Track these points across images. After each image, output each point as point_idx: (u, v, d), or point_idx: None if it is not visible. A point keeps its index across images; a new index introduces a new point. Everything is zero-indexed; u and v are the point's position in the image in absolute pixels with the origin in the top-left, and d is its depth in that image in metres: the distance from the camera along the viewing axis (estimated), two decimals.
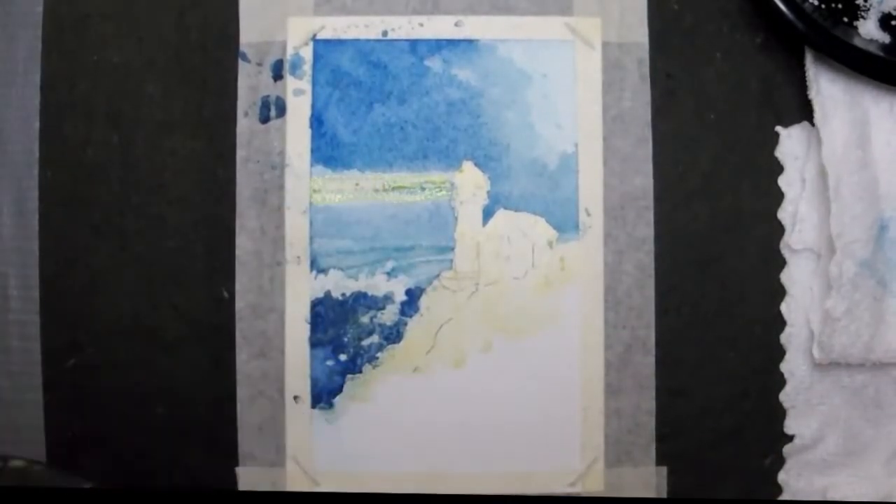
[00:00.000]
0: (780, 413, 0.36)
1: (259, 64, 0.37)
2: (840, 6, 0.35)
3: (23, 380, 0.37)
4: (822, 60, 0.36)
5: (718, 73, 0.37)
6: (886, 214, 0.36)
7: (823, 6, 0.35)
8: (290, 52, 0.37)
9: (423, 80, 0.37)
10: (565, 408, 0.36)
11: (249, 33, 0.37)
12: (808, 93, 0.36)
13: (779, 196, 0.37)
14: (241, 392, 0.36)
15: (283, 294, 0.36)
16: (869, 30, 0.35)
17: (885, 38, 0.35)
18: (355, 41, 0.37)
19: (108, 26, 0.37)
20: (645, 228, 0.36)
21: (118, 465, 0.37)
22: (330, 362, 0.36)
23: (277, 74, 0.37)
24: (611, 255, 0.36)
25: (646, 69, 0.37)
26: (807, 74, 0.36)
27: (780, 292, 0.37)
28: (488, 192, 0.36)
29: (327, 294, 0.36)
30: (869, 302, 0.35)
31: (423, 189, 0.36)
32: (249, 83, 0.37)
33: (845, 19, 0.35)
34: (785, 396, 0.36)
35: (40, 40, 0.37)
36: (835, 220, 0.35)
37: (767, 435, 0.36)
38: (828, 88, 0.36)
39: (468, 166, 0.36)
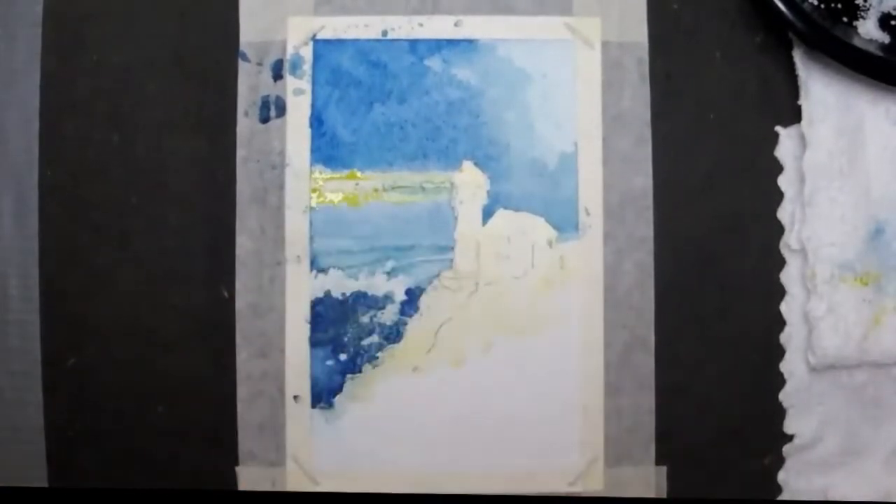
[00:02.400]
0: (779, 413, 0.36)
1: (259, 63, 0.37)
2: (839, 6, 0.35)
3: (23, 380, 0.37)
4: (813, 64, 0.36)
5: (718, 73, 0.37)
6: (882, 217, 0.36)
7: (823, 6, 0.35)
8: (290, 51, 0.37)
9: (422, 79, 0.37)
10: (565, 407, 0.36)
11: (249, 33, 0.37)
12: (798, 99, 0.36)
13: (778, 196, 0.37)
14: (241, 392, 0.36)
15: (283, 294, 0.36)
16: (868, 30, 0.35)
17: (884, 38, 0.35)
18: (355, 41, 0.37)
19: (108, 26, 0.37)
20: (645, 228, 0.37)
21: (118, 465, 0.37)
22: (330, 362, 0.36)
23: (277, 74, 0.37)
24: (611, 255, 0.36)
25: (645, 69, 0.37)
26: (798, 79, 0.36)
27: (780, 292, 0.37)
28: (488, 192, 0.36)
29: (327, 294, 0.36)
30: (854, 303, 0.35)
31: (422, 189, 0.36)
32: (249, 83, 0.37)
33: (845, 19, 0.35)
34: (784, 396, 0.36)
35: (40, 40, 0.37)
36: (807, 226, 0.36)
37: (767, 434, 0.36)
38: (819, 93, 0.36)
39: (468, 166, 0.36)
